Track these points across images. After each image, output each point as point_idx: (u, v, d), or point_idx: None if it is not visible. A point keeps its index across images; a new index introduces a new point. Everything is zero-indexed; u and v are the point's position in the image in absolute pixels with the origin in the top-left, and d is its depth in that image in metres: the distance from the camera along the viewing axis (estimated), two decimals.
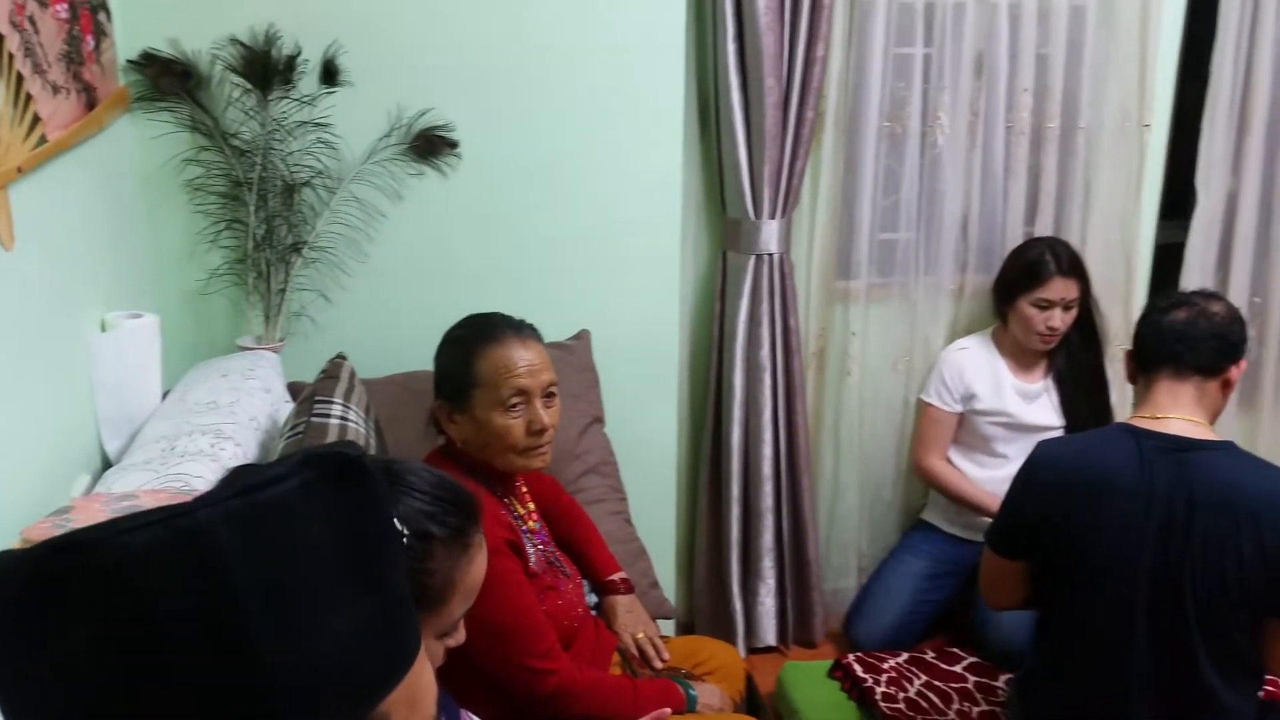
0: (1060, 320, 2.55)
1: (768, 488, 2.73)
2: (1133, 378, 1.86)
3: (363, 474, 0.64)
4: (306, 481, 0.60)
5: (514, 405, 1.69)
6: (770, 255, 2.57)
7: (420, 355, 1.85)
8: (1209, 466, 1.67)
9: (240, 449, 1.71)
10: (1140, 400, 1.82)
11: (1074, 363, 2.63)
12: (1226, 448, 1.72)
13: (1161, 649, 1.70)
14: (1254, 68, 2.85)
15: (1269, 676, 1.87)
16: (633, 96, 2.38)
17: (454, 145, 2.31)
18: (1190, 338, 1.75)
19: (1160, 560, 1.66)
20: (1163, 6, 2.73)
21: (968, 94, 2.69)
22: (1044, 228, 2.81)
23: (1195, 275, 2.96)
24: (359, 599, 0.61)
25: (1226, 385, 1.78)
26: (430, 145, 2.30)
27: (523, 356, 1.70)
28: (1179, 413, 1.74)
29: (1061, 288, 2.52)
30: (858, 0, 2.58)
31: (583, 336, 2.43)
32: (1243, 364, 1.80)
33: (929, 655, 2.60)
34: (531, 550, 1.76)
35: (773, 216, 2.54)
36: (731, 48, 2.43)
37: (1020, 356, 2.68)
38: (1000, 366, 2.68)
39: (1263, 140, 2.92)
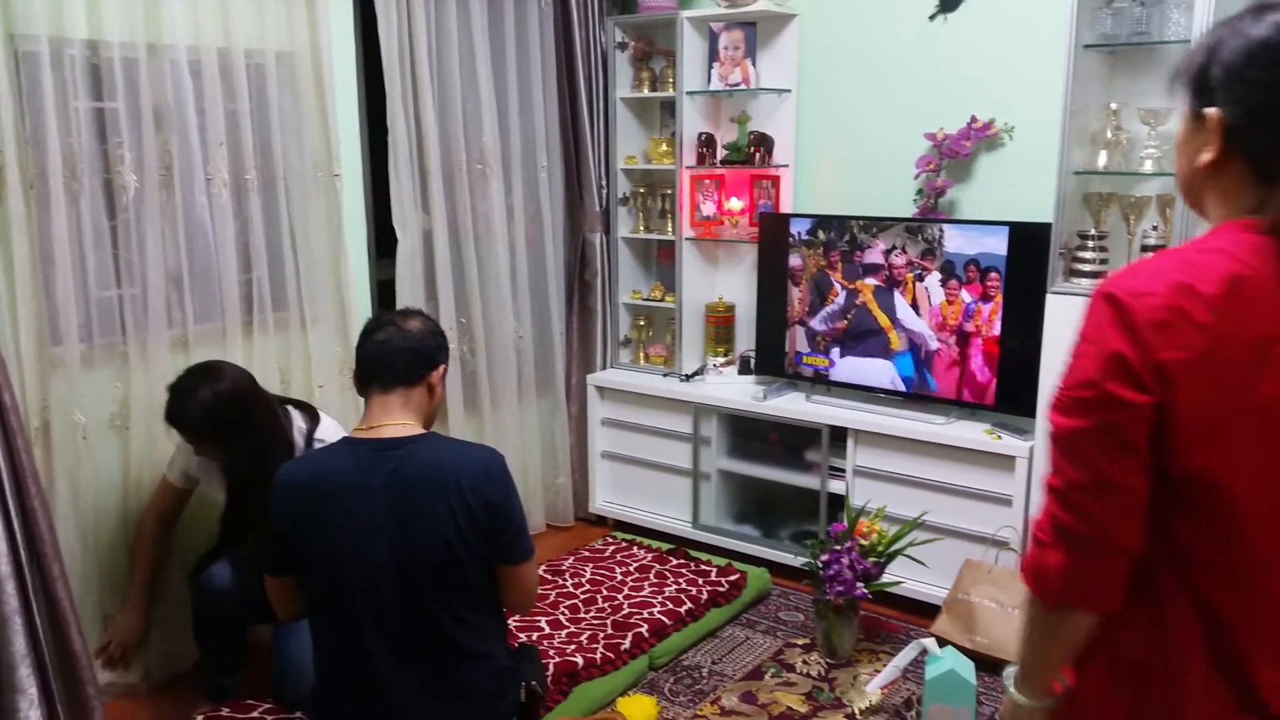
0: None
1: (10, 587, 2.40)
2: (361, 393, 2.09)
3: None
4: None
5: None
6: None
7: None
8: (414, 455, 1.96)
9: None
10: (364, 414, 2.06)
11: None
12: (427, 438, 2.03)
13: (411, 621, 1.95)
14: (422, 121, 3.37)
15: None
16: None
17: None
18: (387, 356, 2.03)
19: (396, 546, 1.92)
20: (334, 67, 3.06)
21: (155, 148, 2.70)
22: (261, 274, 2.96)
23: (408, 304, 3.37)
24: None
25: (431, 389, 2.09)
26: None
27: None
28: (390, 419, 2.01)
29: None
30: (21, 52, 2.44)
31: None
32: (441, 369, 2.11)
33: (225, 712, 2.58)
34: None
35: None
36: None
37: None
38: None
39: (441, 183, 3.46)
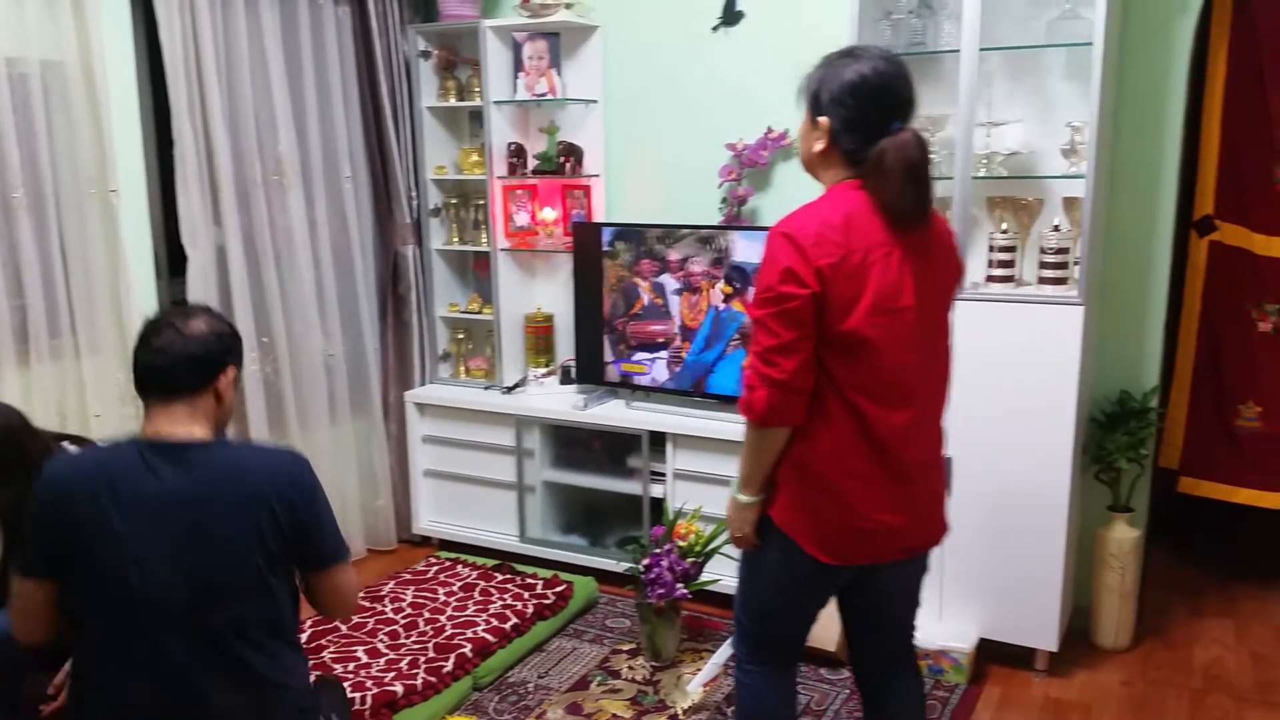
0: None
1: None
2: (141, 399, 1.86)
3: None
4: None
5: None
6: None
7: None
8: (210, 460, 1.79)
9: None
10: (144, 419, 1.85)
11: None
12: (221, 443, 1.87)
13: (203, 646, 1.77)
14: (211, 132, 3.20)
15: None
16: None
17: None
18: (165, 367, 1.82)
19: (188, 561, 1.74)
20: (109, 76, 2.87)
21: None
22: (35, 298, 2.74)
23: None
24: None
25: (220, 395, 1.89)
26: None
27: None
28: (175, 428, 1.81)
29: None
30: None
31: None
32: (231, 372, 1.90)
33: None
34: None
35: None
36: None
37: None
38: None
39: (235, 196, 3.30)
